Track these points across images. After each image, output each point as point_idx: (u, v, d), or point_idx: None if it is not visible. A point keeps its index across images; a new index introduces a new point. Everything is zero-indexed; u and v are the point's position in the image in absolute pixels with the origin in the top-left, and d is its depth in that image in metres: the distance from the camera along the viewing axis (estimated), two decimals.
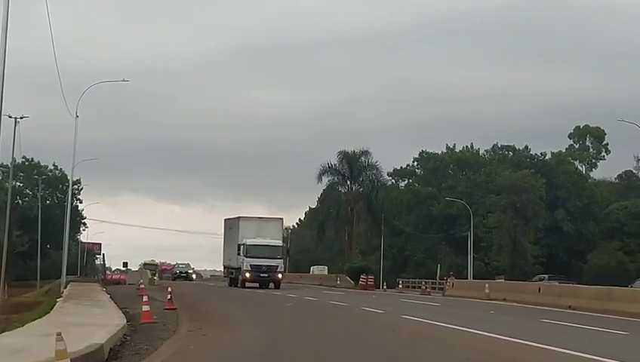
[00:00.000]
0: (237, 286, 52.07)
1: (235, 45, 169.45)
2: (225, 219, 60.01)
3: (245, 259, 50.69)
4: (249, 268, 50.47)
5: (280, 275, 51.53)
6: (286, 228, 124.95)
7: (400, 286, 60.95)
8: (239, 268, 51.92)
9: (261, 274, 50.47)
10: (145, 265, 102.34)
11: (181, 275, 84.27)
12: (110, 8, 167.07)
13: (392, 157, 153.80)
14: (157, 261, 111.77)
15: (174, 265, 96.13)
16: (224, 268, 59.61)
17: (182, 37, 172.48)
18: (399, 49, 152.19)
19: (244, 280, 50.85)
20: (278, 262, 51.50)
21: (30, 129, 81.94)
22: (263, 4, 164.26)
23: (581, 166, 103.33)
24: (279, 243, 53.05)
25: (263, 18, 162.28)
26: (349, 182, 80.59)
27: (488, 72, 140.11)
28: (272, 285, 51.16)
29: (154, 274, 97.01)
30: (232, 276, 54.88)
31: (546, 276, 61.76)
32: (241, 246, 51.34)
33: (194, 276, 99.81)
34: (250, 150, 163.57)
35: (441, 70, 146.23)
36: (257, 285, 51.16)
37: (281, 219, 57.43)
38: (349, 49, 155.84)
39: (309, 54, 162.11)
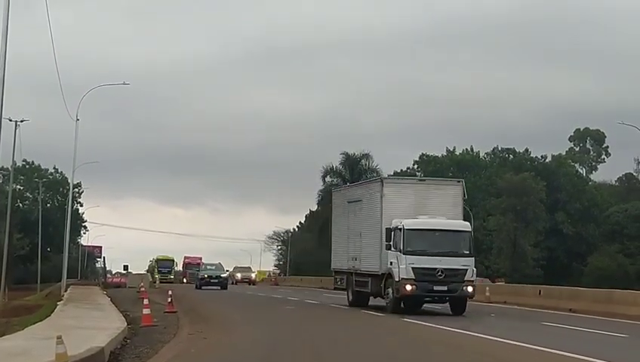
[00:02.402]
0: (363, 307, 30.22)
1: (236, 48, 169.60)
2: (334, 192, 37.50)
3: (403, 257, 27.13)
4: (411, 275, 26.96)
5: (470, 288, 27.47)
6: (286, 231, 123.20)
7: None
8: (385, 275, 28.11)
9: (435, 287, 27.20)
10: (158, 261, 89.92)
11: (211, 281, 57.18)
12: (111, 11, 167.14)
13: (392, 159, 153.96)
14: (173, 257, 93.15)
15: (202, 263, 70.67)
16: (335, 273, 34.51)
17: (182, 39, 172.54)
18: (400, 52, 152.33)
19: (403, 296, 27.30)
20: (467, 263, 27.61)
21: (31, 132, 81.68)
22: (265, 7, 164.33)
23: (581, 169, 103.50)
24: (465, 226, 28.55)
25: (264, 20, 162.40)
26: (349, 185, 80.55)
27: (489, 75, 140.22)
28: (444, 303, 28.62)
29: (169, 273, 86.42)
30: (365, 289, 30.29)
31: None
32: (394, 234, 27.51)
33: (253, 276, 79.90)
34: (251, 152, 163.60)
35: (441, 73, 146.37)
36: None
37: (461, 181, 30.99)
38: (350, 52, 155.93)
39: (310, 57, 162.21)
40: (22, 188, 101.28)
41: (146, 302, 23.86)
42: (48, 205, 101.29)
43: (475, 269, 28.33)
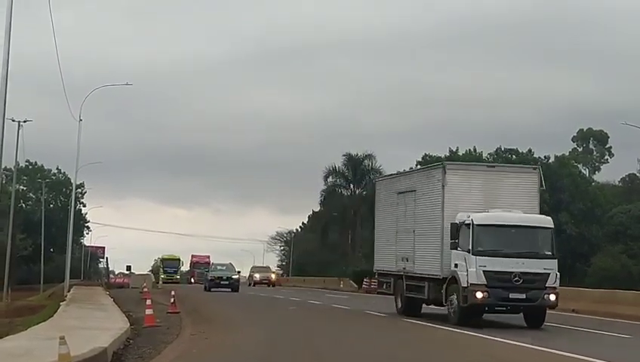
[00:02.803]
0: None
1: (236, 48, 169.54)
2: (378, 181, 33.27)
3: (473, 258, 22.79)
4: (482, 280, 22.63)
5: (553, 297, 23.26)
6: (289, 232, 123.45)
7: None
8: (448, 279, 23.65)
9: (511, 295, 22.90)
10: (163, 260, 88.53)
11: (221, 283, 52.17)
12: (111, 11, 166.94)
13: (393, 159, 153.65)
14: (179, 256, 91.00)
15: (211, 262, 66.50)
16: (379, 276, 30.00)
17: (182, 39, 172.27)
18: (400, 52, 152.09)
19: (472, 304, 22.80)
20: (549, 267, 23.44)
21: (33, 132, 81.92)
22: (265, 7, 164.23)
23: (584, 169, 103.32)
24: (547, 222, 24.08)
25: (264, 20, 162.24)
26: (352, 186, 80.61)
27: (489, 75, 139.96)
28: (517, 313, 24.16)
29: (175, 273, 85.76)
30: (419, 295, 25.92)
31: None
32: (460, 230, 23.27)
33: (273, 276, 74.96)
34: (251, 152, 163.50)
35: (441, 73, 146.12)
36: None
37: (537, 168, 26.13)
38: (350, 52, 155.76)
39: (310, 57, 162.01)
40: (25, 188, 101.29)
41: (148, 302, 23.89)
42: (51, 205, 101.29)
43: (558, 274, 23.77)
